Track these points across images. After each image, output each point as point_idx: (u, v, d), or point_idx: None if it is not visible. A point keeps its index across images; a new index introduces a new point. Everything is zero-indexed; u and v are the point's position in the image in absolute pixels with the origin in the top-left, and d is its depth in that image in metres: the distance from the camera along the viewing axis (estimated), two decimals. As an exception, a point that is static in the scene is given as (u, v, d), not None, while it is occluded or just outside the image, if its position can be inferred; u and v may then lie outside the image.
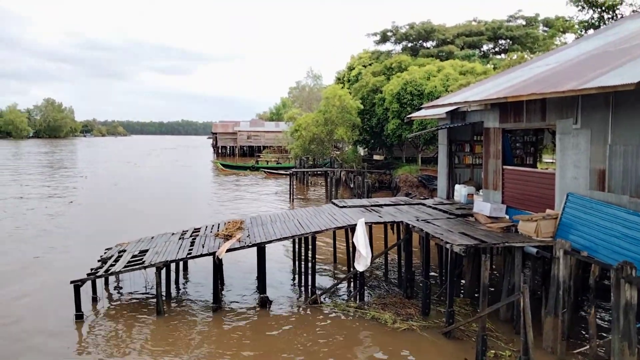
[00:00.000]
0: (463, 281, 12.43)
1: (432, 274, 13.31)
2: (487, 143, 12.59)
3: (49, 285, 12.96)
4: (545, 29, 42.73)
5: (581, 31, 21.88)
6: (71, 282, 10.76)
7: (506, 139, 12.50)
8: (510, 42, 42.09)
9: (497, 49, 43.92)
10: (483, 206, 11.50)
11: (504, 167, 12.03)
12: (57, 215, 23.99)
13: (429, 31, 42.26)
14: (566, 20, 29.47)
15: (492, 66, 34.45)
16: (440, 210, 12.97)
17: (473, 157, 15.11)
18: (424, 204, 14.31)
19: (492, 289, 11.34)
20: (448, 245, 9.37)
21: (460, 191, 14.08)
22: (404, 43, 43.92)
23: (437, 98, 24.54)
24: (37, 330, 10.26)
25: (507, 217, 11.24)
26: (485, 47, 43.74)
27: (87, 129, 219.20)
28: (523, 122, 11.21)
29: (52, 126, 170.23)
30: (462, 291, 12.18)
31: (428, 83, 29.93)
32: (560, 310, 8.56)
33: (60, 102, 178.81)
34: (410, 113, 25.45)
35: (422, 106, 18.96)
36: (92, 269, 11.79)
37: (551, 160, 26.01)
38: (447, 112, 14.56)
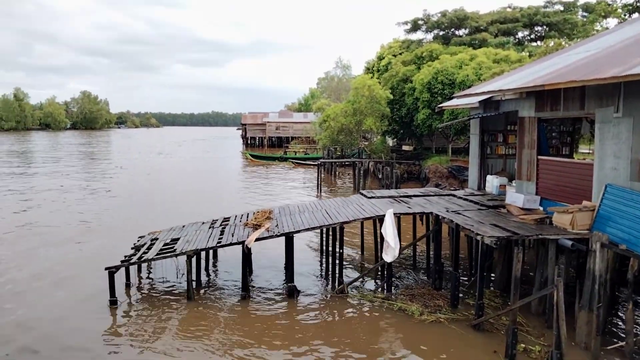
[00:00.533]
0: (493, 274, 12.17)
1: (461, 265, 13.09)
2: (521, 133, 12.22)
3: (84, 272, 13.42)
4: (585, 14, 41.01)
5: (625, 15, 20.86)
6: (106, 269, 11.11)
7: (542, 128, 12.11)
8: (547, 28, 40.59)
9: (532, 36, 42.45)
10: (516, 197, 11.20)
11: (539, 157, 11.66)
12: (95, 204, 24.81)
13: (461, 19, 41.23)
14: (608, 5, 28.15)
15: (528, 54, 33.36)
16: (471, 201, 12.71)
17: (506, 148, 14.73)
18: (454, 195, 14.05)
19: (522, 282, 11.06)
20: (479, 237, 9.18)
21: (492, 182, 13.76)
22: (436, 31, 43.02)
23: (469, 87, 23.97)
24: (73, 315, 10.66)
25: (541, 208, 10.90)
26: (520, 35, 42.35)
27: (122, 120, 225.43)
28: (560, 110, 10.81)
29: (88, 118, 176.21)
30: (492, 283, 11.94)
31: (460, 72, 29.27)
32: (596, 304, 8.28)
33: (96, 95, 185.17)
34: (441, 103, 24.97)
35: (453, 95, 18.57)
36: (125, 256, 12.14)
37: (587, 151, 25.09)
38: (479, 101, 14.21)
